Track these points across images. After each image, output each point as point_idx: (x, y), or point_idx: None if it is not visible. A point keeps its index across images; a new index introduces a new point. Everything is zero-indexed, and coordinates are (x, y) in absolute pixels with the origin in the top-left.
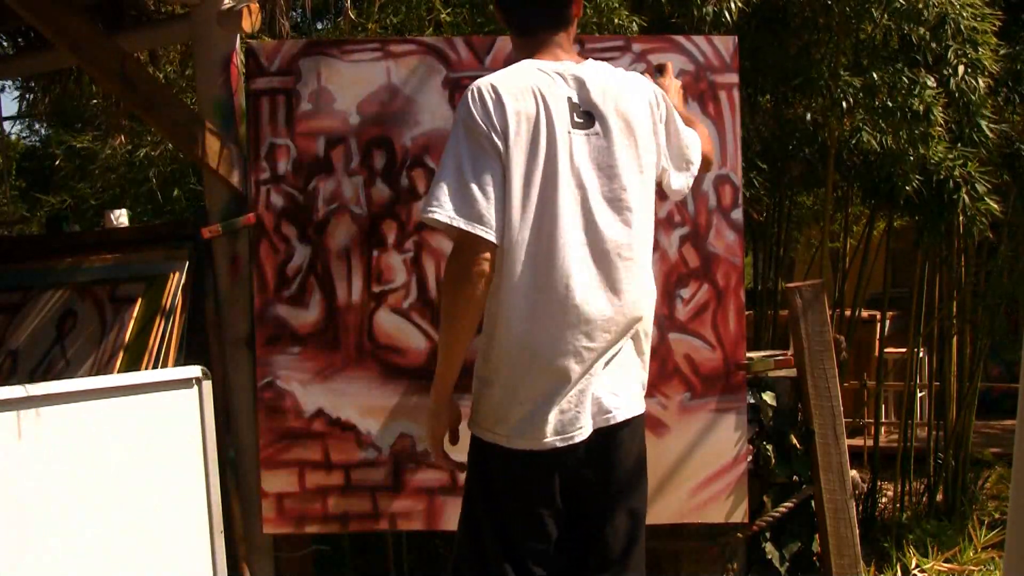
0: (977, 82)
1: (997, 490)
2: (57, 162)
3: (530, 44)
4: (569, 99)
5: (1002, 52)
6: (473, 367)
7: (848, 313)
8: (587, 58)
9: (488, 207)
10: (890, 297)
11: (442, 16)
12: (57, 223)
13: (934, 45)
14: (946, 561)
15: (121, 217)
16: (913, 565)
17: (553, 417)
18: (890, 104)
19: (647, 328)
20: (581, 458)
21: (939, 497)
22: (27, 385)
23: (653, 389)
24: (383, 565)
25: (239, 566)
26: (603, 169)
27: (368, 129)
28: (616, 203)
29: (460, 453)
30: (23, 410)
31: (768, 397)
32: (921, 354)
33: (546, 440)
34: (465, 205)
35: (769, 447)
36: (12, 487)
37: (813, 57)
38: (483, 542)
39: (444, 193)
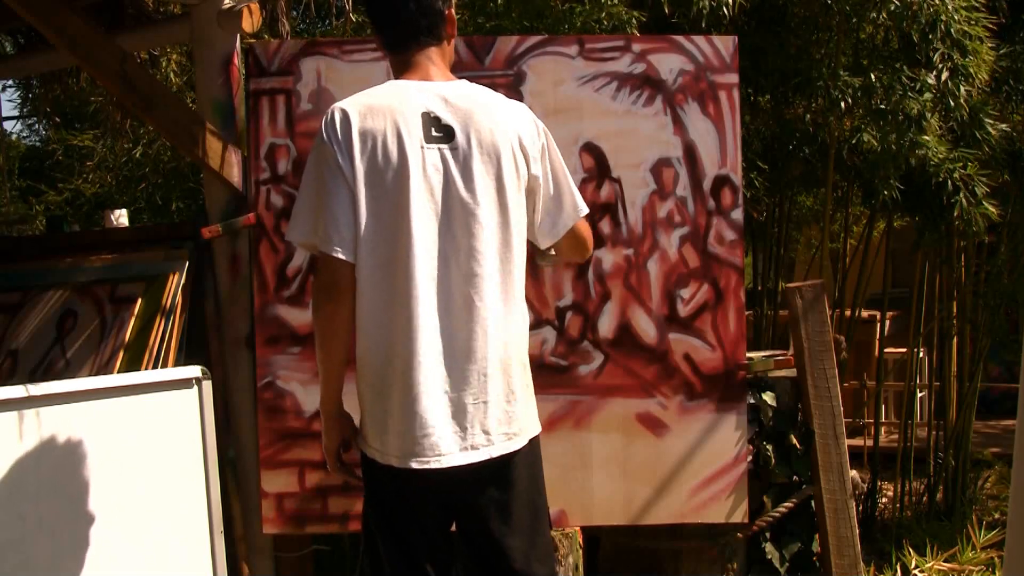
0: (959, 89)
1: (997, 490)
2: (57, 158)
3: (402, 63)
4: (426, 114)
5: (1003, 51)
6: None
7: (848, 313)
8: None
9: (338, 226)
10: (890, 297)
11: None
12: (57, 223)
13: (923, 46)
14: (946, 561)
15: (121, 217)
16: (913, 565)
17: (411, 437)
18: (884, 107)
19: (515, 354)
20: (459, 484)
21: (939, 497)
22: (28, 385)
23: (653, 389)
24: None
25: (239, 566)
26: (457, 182)
27: None
28: (470, 217)
29: None
30: (24, 410)
31: (768, 397)
32: (921, 354)
33: (407, 458)
34: (317, 226)
35: (769, 447)
36: (12, 487)
37: (813, 57)
38: (380, 556)
39: (299, 215)
